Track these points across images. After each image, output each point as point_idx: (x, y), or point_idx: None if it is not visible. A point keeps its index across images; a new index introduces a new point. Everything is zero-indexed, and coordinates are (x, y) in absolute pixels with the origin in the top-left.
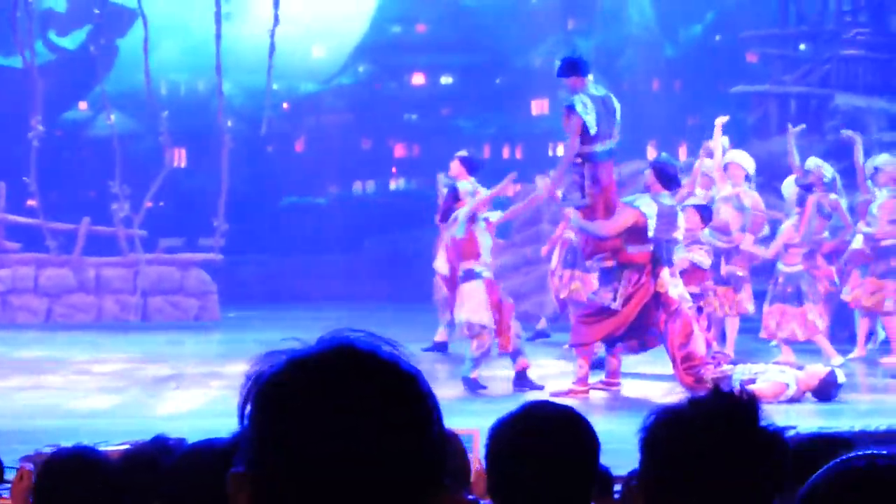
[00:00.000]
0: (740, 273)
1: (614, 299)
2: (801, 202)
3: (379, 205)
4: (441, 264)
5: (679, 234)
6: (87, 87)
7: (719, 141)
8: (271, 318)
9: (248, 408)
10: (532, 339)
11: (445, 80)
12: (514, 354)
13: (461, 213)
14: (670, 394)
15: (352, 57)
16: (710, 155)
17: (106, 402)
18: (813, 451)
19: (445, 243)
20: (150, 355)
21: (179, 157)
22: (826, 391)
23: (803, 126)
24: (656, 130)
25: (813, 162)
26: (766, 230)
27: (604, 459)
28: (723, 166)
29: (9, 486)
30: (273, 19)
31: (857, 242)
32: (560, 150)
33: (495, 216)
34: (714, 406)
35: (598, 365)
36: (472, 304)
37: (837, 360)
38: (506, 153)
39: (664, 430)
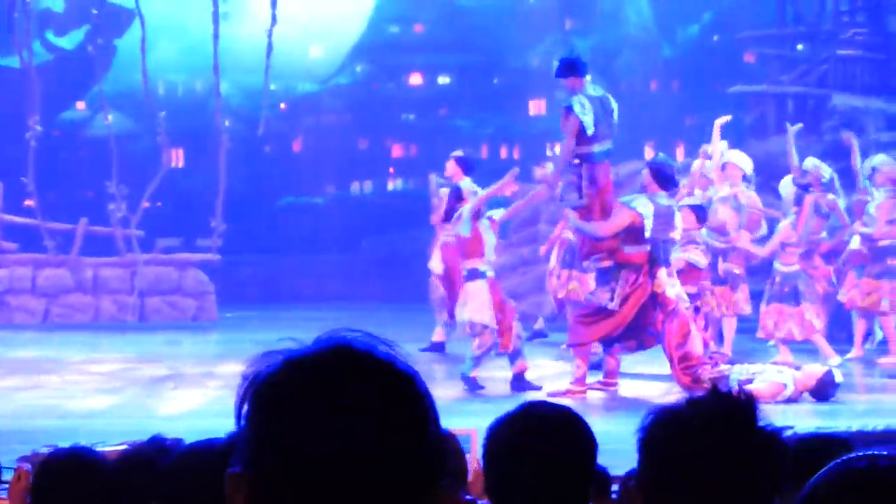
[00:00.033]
0: (737, 271)
1: (611, 299)
2: (798, 202)
3: (376, 205)
4: (436, 264)
5: (676, 235)
6: (84, 88)
7: (718, 141)
8: (269, 319)
9: (245, 408)
10: (529, 340)
11: (443, 80)
12: (514, 355)
13: (465, 210)
14: (668, 394)
15: (349, 57)
16: (710, 157)
17: (103, 403)
18: (810, 451)
19: (442, 243)
20: (147, 355)
21: (177, 158)
22: (823, 391)
23: (801, 125)
24: (654, 131)
25: (811, 162)
26: (763, 230)
27: (601, 459)
28: (720, 166)
29: (6, 486)
30: (271, 19)
31: (855, 243)
32: (557, 150)
33: (498, 214)
34: (712, 406)
35: (597, 366)
36: (476, 304)
37: (835, 359)
38: (503, 153)
39: (662, 431)
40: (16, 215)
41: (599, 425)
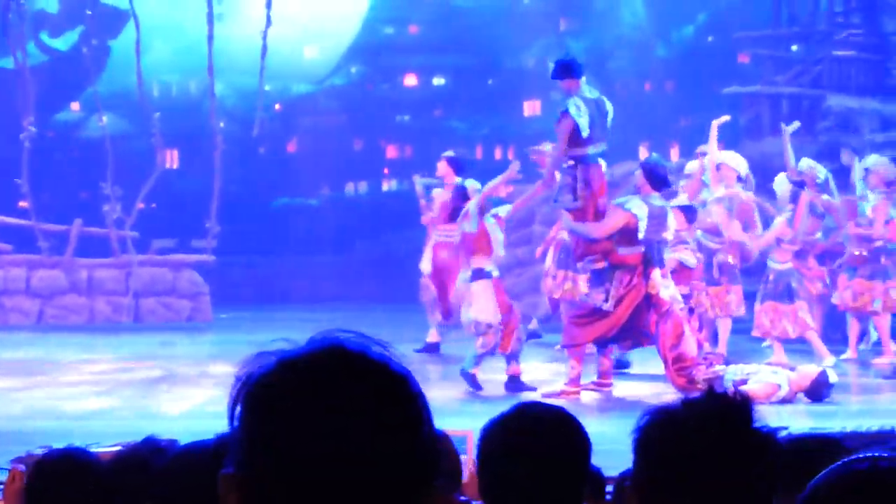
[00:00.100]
0: (731, 260)
1: (606, 300)
2: (793, 199)
3: (371, 206)
4: (426, 264)
5: (669, 235)
6: (79, 89)
7: (715, 142)
8: (263, 319)
9: (238, 409)
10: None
11: (438, 81)
12: (511, 357)
13: (471, 206)
14: (662, 395)
15: (344, 58)
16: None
17: (98, 404)
18: (805, 451)
19: (435, 243)
20: (142, 356)
21: (171, 159)
22: (818, 392)
23: (797, 123)
24: (648, 131)
25: (805, 163)
26: (759, 230)
27: (596, 460)
28: (715, 167)
29: (1, 487)
30: (265, 20)
31: (853, 245)
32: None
33: (504, 211)
34: (707, 407)
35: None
36: (481, 304)
37: (829, 360)
38: (498, 154)
39: (657, 431)
40: (10, 216)
41: (593, 426)
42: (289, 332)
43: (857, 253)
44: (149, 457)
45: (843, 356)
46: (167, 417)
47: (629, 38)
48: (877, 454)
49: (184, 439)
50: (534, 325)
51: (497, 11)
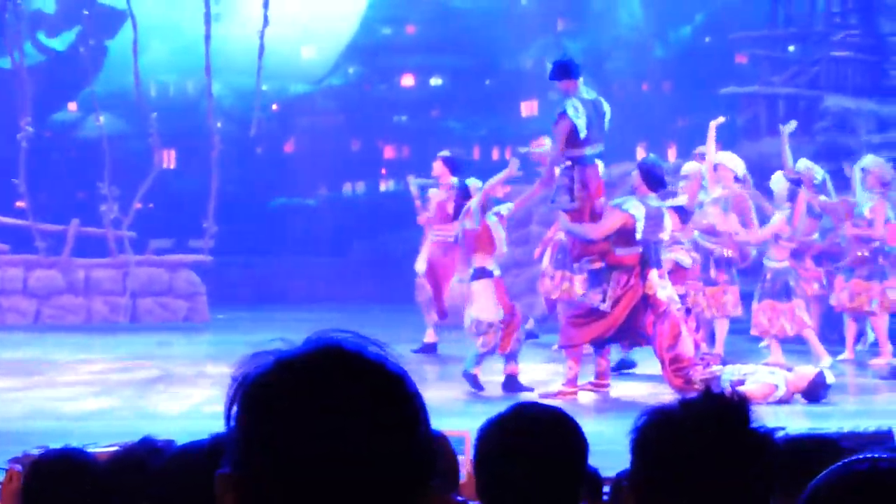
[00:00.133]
0: (728, 253)
1: (603, 301)
2: (791, 197)
3: (368, 206)
4: (421, 264)
5: (665, 236)
6: (76, 89)
7: (713, 143)
8: (260, 320)
9: (235, 409)
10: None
11: (435, 81)
12: (509, 357)
13: (473, 203)
14: (659, 395)
15: (341, 58)
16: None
17: (95, 404)
18: (802, 452)
19: (432, 242)
20: (139, 357)
21: (169, 159)
22: (815, 392)
23: (794, 123)
24: (646, 132)
25: (803, 164)
26: (756, 227)
27: (593, 461)
28: (712, 168)
29: None
30: (263, 20)
31: (854, 246)
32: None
33: (506, 209)
34: (705, 407)
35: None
36: (482, 303)
37: (826, 360)
38: (495, 154)
39: (655, 431)
40: (7, 216)
41: (591, 426)
42: (286, 333)
43: (859, 255)
44: (146, 457)
45: (840, 357)
46: (164, 417)
47: (626, 38)
48: (877, 455)
49: (181, 439)
50: (530, 325)
51: (494, 12)
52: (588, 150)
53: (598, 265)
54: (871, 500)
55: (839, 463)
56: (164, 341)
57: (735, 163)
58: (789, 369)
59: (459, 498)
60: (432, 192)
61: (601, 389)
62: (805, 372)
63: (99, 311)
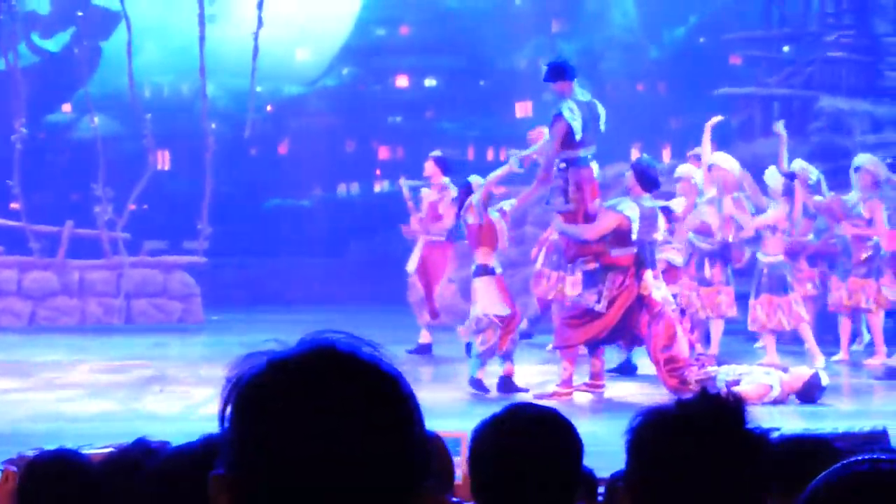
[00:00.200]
0: (730, 239)
1: (598, 301)
2: (786, 192)
3: (363, 207)
4: (412, 264)
5: (659, 236)
6: (70, 90)
7: (708, 144)
8: (255, 321)
9: (229, 410)
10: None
11: (429, 82)
12: (504, 357)
13: (475, 199)
14: (654, 396)
15: (336, 59)
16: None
17: (89, 405)
18: (797, 452)
19: (425, 242)
20: (133, 358)
21: (163, 160)
22: (810, 394)
23: (783, 121)
24: (640, 132)
25: (798, 164)
26: (751, 231)
27: (588, 461)
28: (707, 168)
29: None
30: (257, 21)
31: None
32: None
33: (508, 205)
34: (701, 408)
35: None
36: (486, 300)
37: (820, 361)
38: (490, 155)
39: (651, 432)
40: (1, 218)
41: (585, 427)
42: (280, 334)
43: (863, 257)
44: (140, 458)
45: (835, 357)
46: (159, 419)
47: (621, 39)
48: (877, 456)
49: (176, 441)
50: (524, 325)
51: (489, 13)
52: (582, 152)
53: (592, 266)
54: (871, 500)
55: (839, 464)
56: (158, 343)
57: (730, 164)
58: (784, 370)
59: (455, 499)
60: (424, 191)
61: (596, 390)
62: (800, 373)
63: (93, 313)
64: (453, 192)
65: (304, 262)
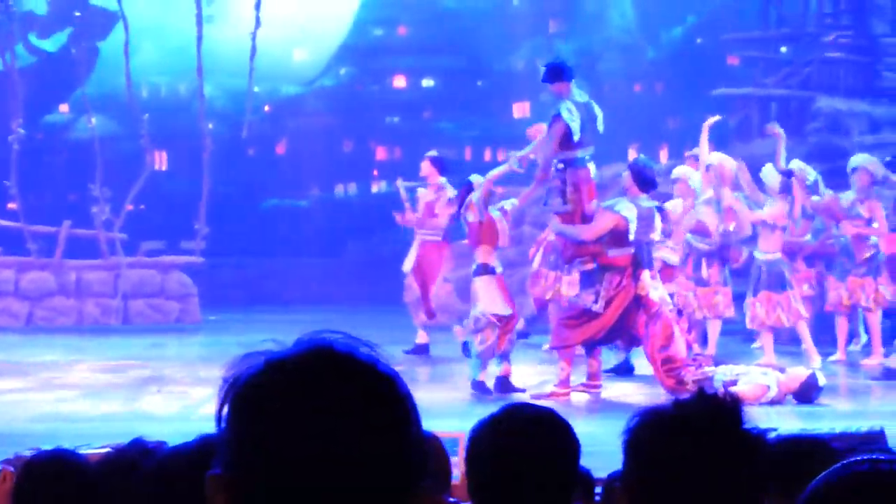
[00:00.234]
0: (731, 228)
1: (595, 301)
2: (784, 189)
3: (361, 207)
4: (408, 263)
5: (656, 236)
6: (67, 90)
7: (706, 144)
8: (252, 321)
9: (226, 410)
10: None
11: (427, 82)
12: (501, 357)
13: (475, 197)
14: (652, 396)
15: (333, 59)
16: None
17: (87, 406)
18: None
19: (421, 241)
20: (131, 358)
21: (160, 160)
22: (807, 394)
23: (776, 123)
24: (637, 133)
25: (795, 164)
26: (748, 231)
27: (585, 462)
28: (704, 168)
29: None
30: (254, 22)
31: (857, 247)
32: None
33: (509, 204)
34: (698, 408)
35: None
36: (486, 299)
37: (817, 361)
38: (487, 156)
39: (648, 432)
40: None
41: (582, 427)
42: (277, 334)
43: (867, 256)
44: (137, 458)
45: (832, 358)
46: (156, 419)
47: (618, 40)
48: (876, 456)
49: (173, 441)
50: (520, 324)
51: (486, 13)
52: (580, 153)
53: (590, 266)
54: (871, 500)
55: (839, 464)
56: (155, 343)
57: (728, 164)
58: (782, 370)
59: (452, 499)
60: (420, 191)
61: (593, 390)
62: (797, 373)
63: (90, 313)
64: (450, 192)
65: (302, 262)
